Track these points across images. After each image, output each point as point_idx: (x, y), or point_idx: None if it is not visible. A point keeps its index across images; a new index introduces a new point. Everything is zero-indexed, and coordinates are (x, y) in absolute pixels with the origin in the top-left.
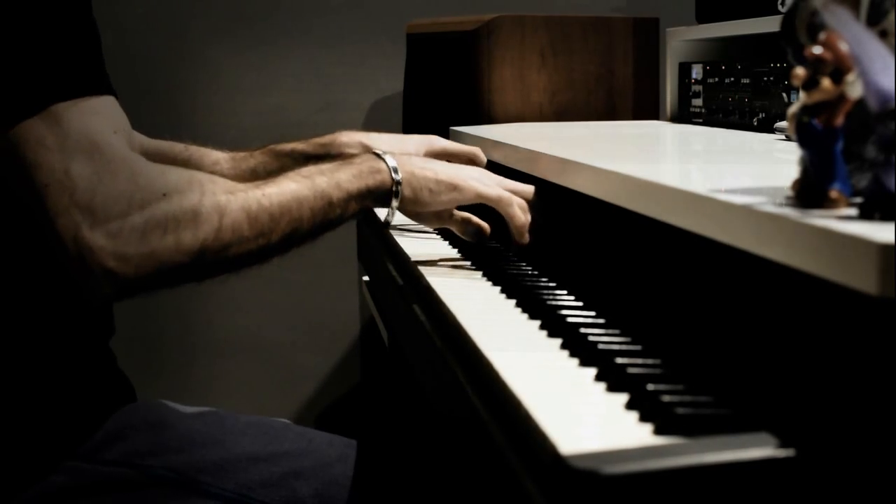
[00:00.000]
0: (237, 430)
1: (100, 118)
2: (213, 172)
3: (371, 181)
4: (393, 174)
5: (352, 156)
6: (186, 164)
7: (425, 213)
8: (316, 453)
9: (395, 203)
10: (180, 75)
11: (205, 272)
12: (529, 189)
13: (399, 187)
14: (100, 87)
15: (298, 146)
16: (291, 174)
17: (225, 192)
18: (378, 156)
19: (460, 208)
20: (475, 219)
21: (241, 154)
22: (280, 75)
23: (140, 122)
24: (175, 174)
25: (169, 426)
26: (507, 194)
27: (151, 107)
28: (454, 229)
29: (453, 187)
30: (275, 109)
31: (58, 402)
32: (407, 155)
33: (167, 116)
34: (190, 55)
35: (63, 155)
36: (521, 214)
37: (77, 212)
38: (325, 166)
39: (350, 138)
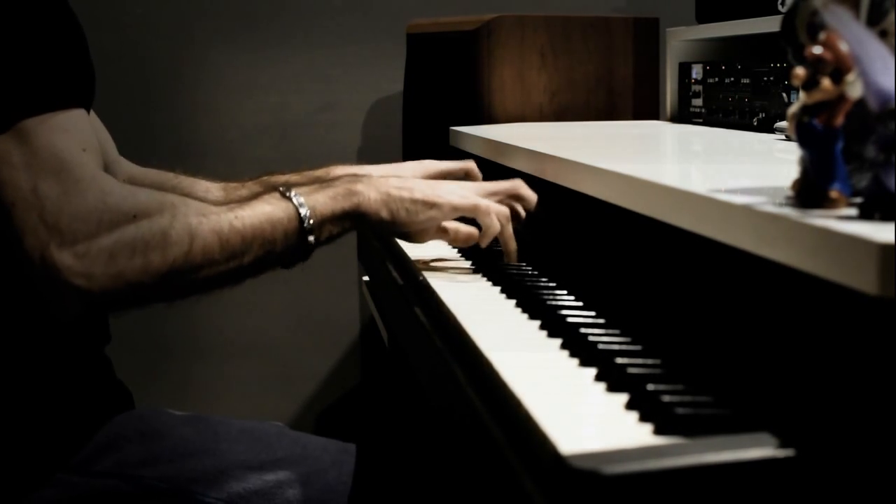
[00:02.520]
0: (230, 438)
1: (68, 135)
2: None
3: (347, 204)
4: (300, 210)
5: None
6: (175, 191)
7: (409, 232)
8: (310, 459)
9: (310, 238)
10: (181, 76)
11: (174, 293)
12: (515, 184)
13: (310, 223)
14: (69, 100)
15: (292, 178)
16: (266, 196)
17: (197, 215)
18: (285, 194)
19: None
20: (463, 228)
21: (234, 185)
22: (280, 75)
23: (142, 122)
24: (145, 195)
25: (161, 435)
26: (484, 203)
27: (153, 107)
28: (444, 241)
29: (430, 205)
30: (275, 109)
31: (50, 412)
32: (385, 177)
33: (168, 117)
34: (191, 56)
35: (30, 173)
36: (495, 223)
37: (44, 231)
38: (302, 189)
39: (344, 171)
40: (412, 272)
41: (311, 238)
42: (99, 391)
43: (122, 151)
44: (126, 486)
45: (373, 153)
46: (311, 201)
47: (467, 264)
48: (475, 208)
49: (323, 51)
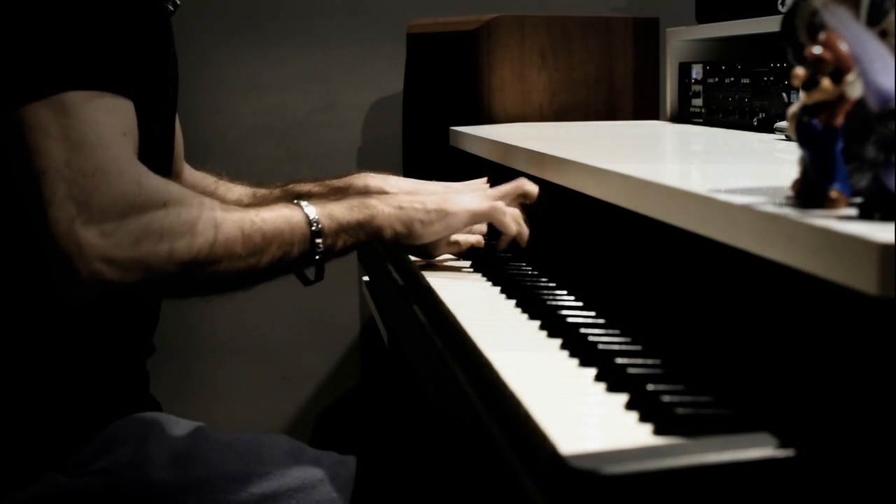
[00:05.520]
0: (222, 447)
1: (111, 116)
2: None
3: (361, 215)
4: (311, 221)
5: None
6: (212, 196)
7: (426, 244)
8: (300, 473)
9: (318, 246)
10: (182, 76)
11: (192, 286)
12: (519, 183)
13: (319, 228)
14: (122, 88)
15: (315, 188)
16: (285, 202)
17: (221, 210)
18: (298, 205)
19: None
20: (471, 237)
21: (263, 192)
22: (281, 75)
23: None
24: (176, 187)
25: (156, 441)
26: (499, 205)
27: None
28: (453, 252)
29: (445, 213)
30: (275, 109)
31: (71, 414)
32: (394, 195)
33: None
34: (191, 56)
35: (66, 145)
36: (512, 224)
37: (72, 204)
38: (317, 200)
39: (364, 181)
40: (412, 272)
41: (319, 242)
42: (130, 402)
43: None
44: (110, 487)
45: (373, 153)
46: (327, 210)
47: (467, 264)
48: (493, 211)
49: (323, 51)
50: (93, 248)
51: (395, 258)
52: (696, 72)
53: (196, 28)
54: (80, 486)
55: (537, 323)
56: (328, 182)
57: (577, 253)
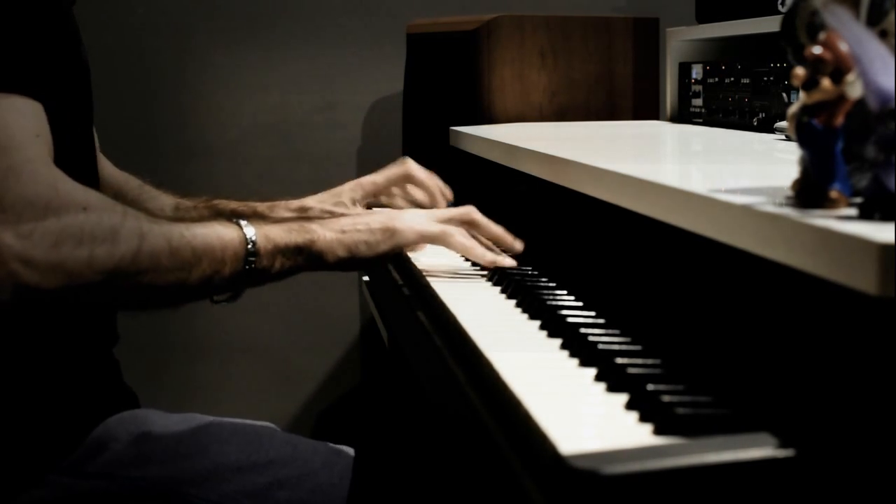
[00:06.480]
0: (222, 439)
1: (22, 118)
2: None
3: (301, 238)
4: (248, 240)
5: None
6: (134, 202)
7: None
8: (300, 461)
9: (252, 263)
10: (183, 76)
11: (116, 296)
12: (468, 209)
13: (254, 249)
14: (30, 90)
15: (239, 208)
16: (221, 220)
17: (148, 220)
18: (236, 223)
19: None
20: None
21: (187, 204)
22: (281, 76)
23: (144, 122)
24: (96, 194)
25: (152, 436)
26: (449, 229)
27: (155, 108)
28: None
29: (391, 232)
30: (276, 109)
31: (49, 412)
32: (336, 218)
33: (171, 117)
34: (193, 57)
35: None
36: (465, 242)
37: None
38: (256, 220)
39: (287, 207)
40: (412, 272)
41: (253, 264)
42: (103, 393)
43: (125, 152)
44: (116, 487)
45: (373, 153)
46: (264, 230)
47: (467, 264)
48: (442, 234)
49: (323, 51)
50: (9, 248)
51: (396, 258)
52: (696, 72)
53: (197, 29)
54: (86, 488)
55: (537, 323)
56: (252, 204)
57: (577, 253)
